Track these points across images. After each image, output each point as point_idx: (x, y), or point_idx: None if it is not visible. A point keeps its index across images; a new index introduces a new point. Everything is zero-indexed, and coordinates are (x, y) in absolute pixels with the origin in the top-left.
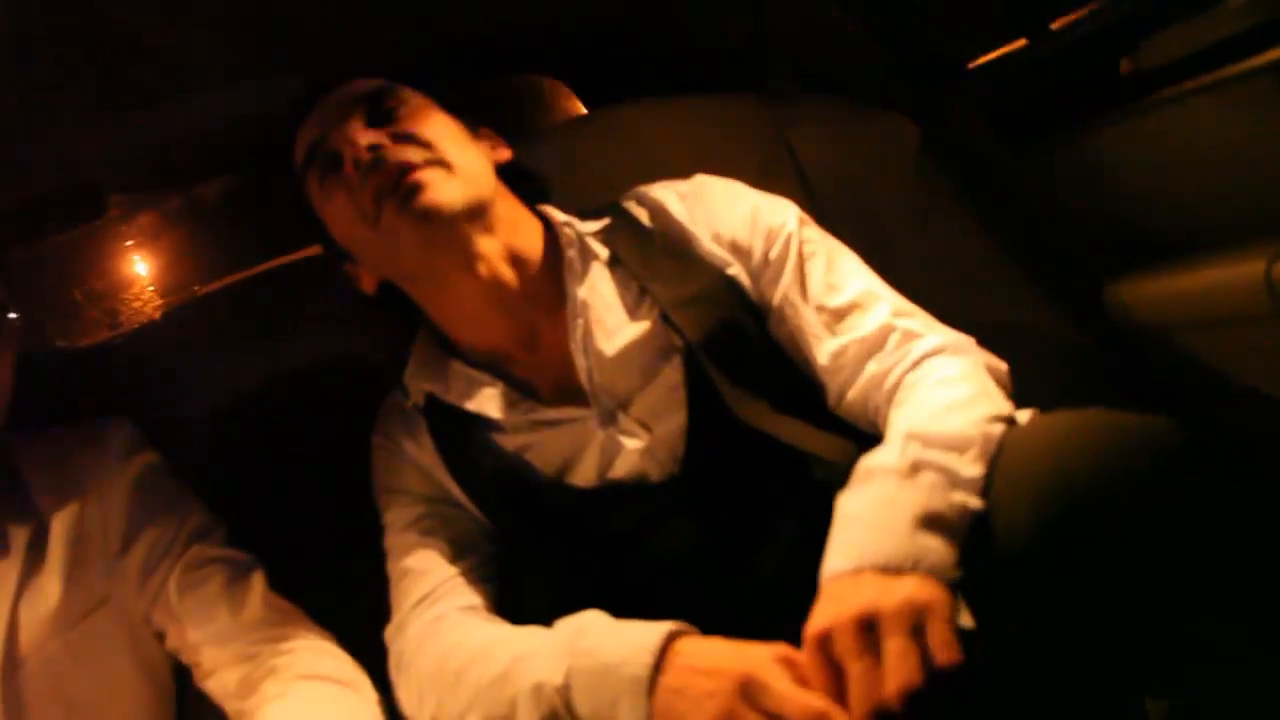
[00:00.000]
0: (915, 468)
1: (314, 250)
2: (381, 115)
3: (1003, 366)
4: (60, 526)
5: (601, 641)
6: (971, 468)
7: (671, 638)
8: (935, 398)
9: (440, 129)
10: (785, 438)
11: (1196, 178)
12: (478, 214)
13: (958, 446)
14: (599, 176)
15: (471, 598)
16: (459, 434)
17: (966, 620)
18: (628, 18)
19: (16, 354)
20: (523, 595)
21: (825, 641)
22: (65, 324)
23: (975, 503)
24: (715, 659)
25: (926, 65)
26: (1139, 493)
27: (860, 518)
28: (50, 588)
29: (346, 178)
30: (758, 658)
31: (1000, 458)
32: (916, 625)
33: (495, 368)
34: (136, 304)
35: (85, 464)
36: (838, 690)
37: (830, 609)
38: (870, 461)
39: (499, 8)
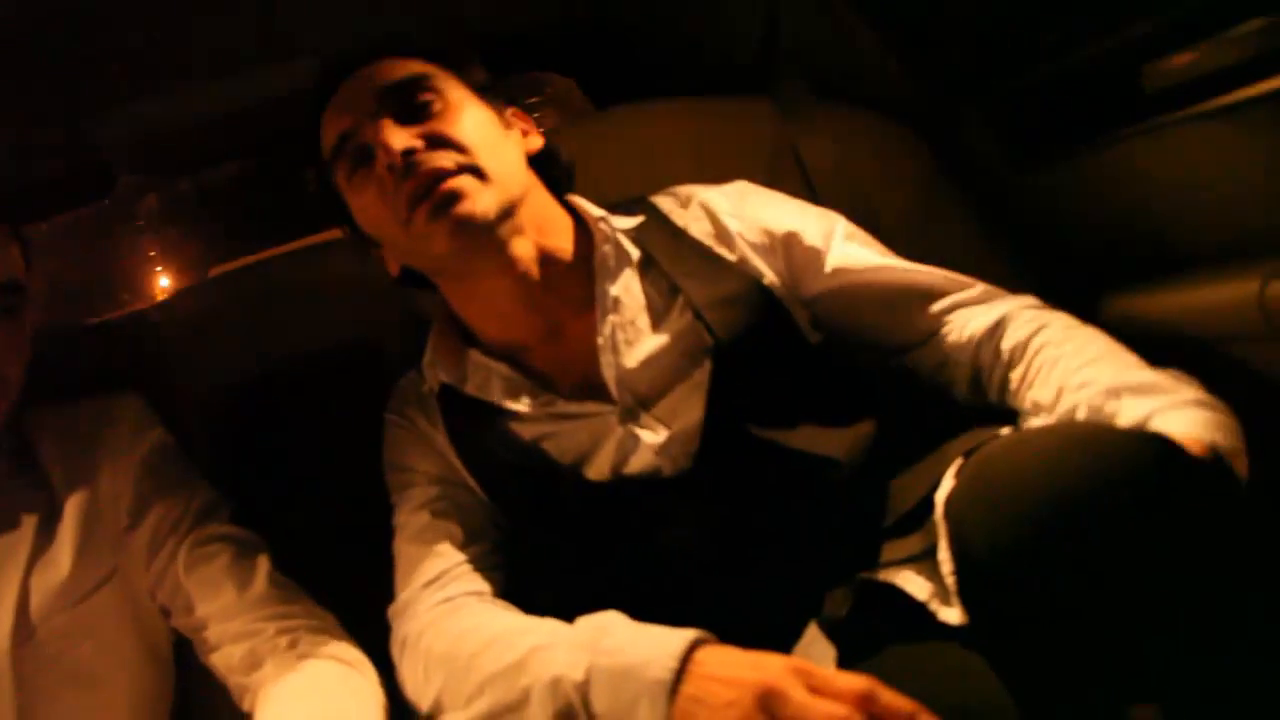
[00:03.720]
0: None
1: (328, 234)
2: (414, 109)
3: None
4: (72, 500)
5: (625, 642)
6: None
7: (695, 645)
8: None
9: (474, 128)
10: (800, 443)
11: (1195, 198)
12: (509, 217)
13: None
14: (608, 174)
15: (482, 584)
16: (474, 422)
17: (955, 616)
18: (641, 20)
19: (33, 326)
20: (529, 584)
21: None
22: (79, 299)
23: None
24: (736, 669)
25: (939, 79)
26: (1117, 504)
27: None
28: (61, 560)
29: (379, 177)
30: (776, 667)
31: (977, 469)
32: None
33: (513, 358)
34: (148, 282)
35: (97, 438)
36: None
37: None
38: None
39: (514, 5)
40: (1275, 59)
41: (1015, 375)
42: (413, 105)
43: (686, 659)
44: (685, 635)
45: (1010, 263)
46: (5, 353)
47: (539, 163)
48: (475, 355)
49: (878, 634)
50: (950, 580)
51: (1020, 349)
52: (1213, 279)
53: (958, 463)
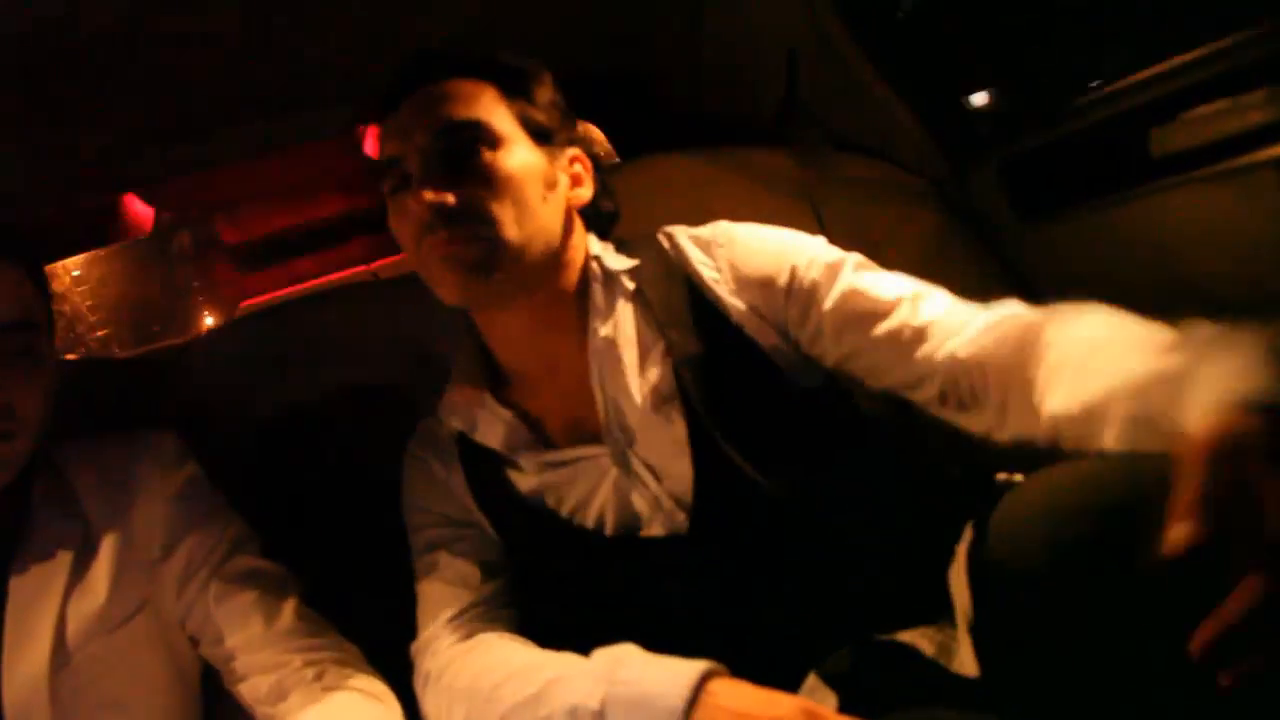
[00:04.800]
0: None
1: (359, 271)
2: (462, 157)
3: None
4: (107, 532)
5: (640, 673)
6: None
7: (707, 676)
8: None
9: (515, 192)
10: (792, 498)
11: (1199, 260)
12: (525, 285)
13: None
14: (630, 225)
15: (500, 620)
16: (486, 467)
17: (968, 668)
18: (666, 73)
19: (59, 363)
20: (540, 624)
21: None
22: (113, 335)
23: None
24: (748, 703)
25: (952, 134)
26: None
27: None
28: (97, 589)
29: (412, 215)
30: (788, 706)
31: (1012, 500)
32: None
33: (519, 406)
34: (182, 318)
35: (132, 473)
36: None
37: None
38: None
39: (543, 55)
40: (1278, 127)
41: (1033, 381)
42: (461, 153)
43: (699, 689)
44: (698, 666)
45: None
46: (22, 391)
47: (583, 211)
48: (489, 400)
49: (881, 687)
50: (965, 633)
51: (1021, 354)
52: None
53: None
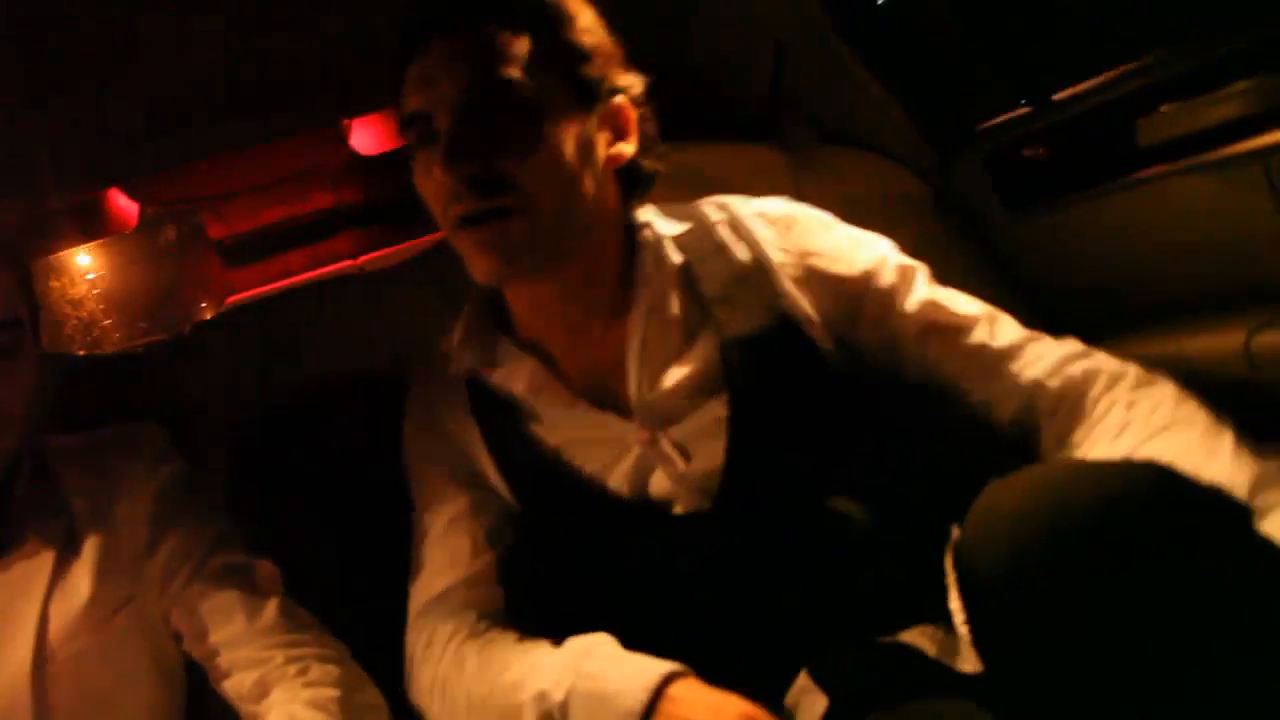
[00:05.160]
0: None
1: (343, 266)
2: (494, 116)
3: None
4: (92, 527)
5: (604, 668)
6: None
7: (669, 679)
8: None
9: (549, 164)
10: (820, 497)
11: (1184, 249)
12: (556, 260)
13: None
14: None
15: (494, 594)
16: (500, 412)
17: (969, 666)
18: (653, 65)
19: (44, 358)
20: (539, 592)
21: None
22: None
23: None
24: (700, 709)
25: (939, 125)
26: (1122, 542)
27: None
28: (81, 586)
29: (437, 176)
30: (731, 713)
31: (983, 513)
32: None
33: (542, 352)
34: (168, 312)
35: (118, 468)
36: None
37: None
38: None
39: None
40: (1262, 117)
41: (1074, 432)
42: (493, 116)
43: (659, 692)
44: (660, 668)
45: (1004, 308)
46: (6, 389)
47: (623, 171)
48: (506, 342)
49: (876, 689)
50: (963, 629)
51: (1079, 403)
52: (1200, 329)
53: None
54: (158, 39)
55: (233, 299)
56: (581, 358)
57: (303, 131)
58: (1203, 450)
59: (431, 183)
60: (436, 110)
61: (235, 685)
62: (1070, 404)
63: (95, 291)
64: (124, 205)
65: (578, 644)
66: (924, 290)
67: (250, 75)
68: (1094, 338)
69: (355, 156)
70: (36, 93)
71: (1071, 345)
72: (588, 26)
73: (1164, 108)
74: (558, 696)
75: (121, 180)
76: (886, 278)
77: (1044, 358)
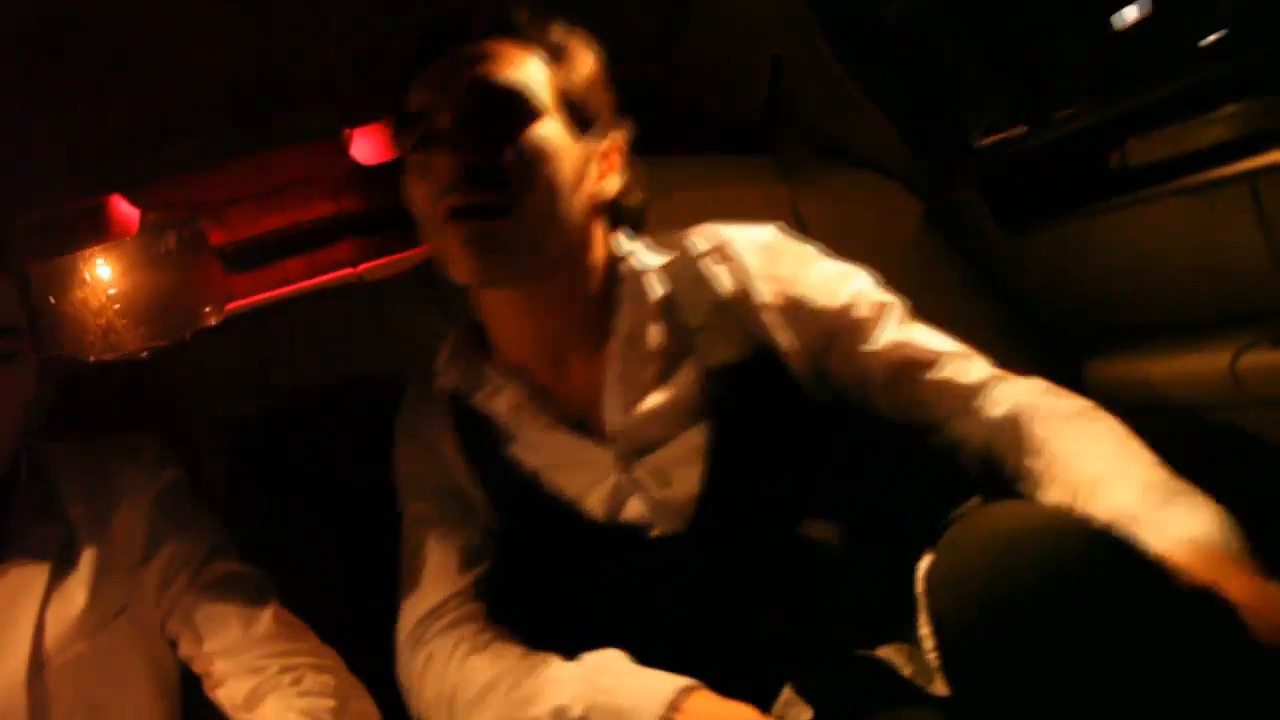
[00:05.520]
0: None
1: (343, 274)
2: (498, 120)
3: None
4: (89, 535)
5: (620, 683)
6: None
7: (684, 693)
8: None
9: (546, 171)
10: (794, 523)
11: (1174, 270)
12: (540, 272)
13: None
14: None
15: (484, 608)
16: (481, 433)
17: (940, 689)
18: (649, 80)
19: (43, 364)
20: (524, 610)
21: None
22: (97, 338)
23: None
24: None
25: (933, 142)
26: (1074, 589)
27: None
28: (77, 593)
29: (433, 174)
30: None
31: (950, 545)
32: None
33: (524, 377)
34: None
35: (115, 475)
36: None
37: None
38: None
39: None
40: (1251, 141)
41: (1030, 471)
42: (497, 116)
43: (674, 705)
44: (676, 683)
45: (997, 324)
46: (2, 393)
47: (606, 204)
48: (488, 368)
49: (856, 702)
50: (932, 655)
51: (1031, 443)
52: (1188, 349)
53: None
54: (158, 40)
55: (232, 305)
56: (566, 386)
57: (304, 140)
58: (1124, 485)
59: (425, 182)
60: (440, 108)
61: (229, 694)
62: (1025, 442)
63: (113, 298)
64: (125, 211)
65: (593, 659)
66: (894, 329)
67: (255, 81)
68: (1083, 355)
69: (356, 166)
70: (38, 96)
71: (1034, 384)
72: (590, 67)
73: (1157, 129)
74: (576, 712)
75: (123, 186)
76: (860, 312)
77: (1006, 399)
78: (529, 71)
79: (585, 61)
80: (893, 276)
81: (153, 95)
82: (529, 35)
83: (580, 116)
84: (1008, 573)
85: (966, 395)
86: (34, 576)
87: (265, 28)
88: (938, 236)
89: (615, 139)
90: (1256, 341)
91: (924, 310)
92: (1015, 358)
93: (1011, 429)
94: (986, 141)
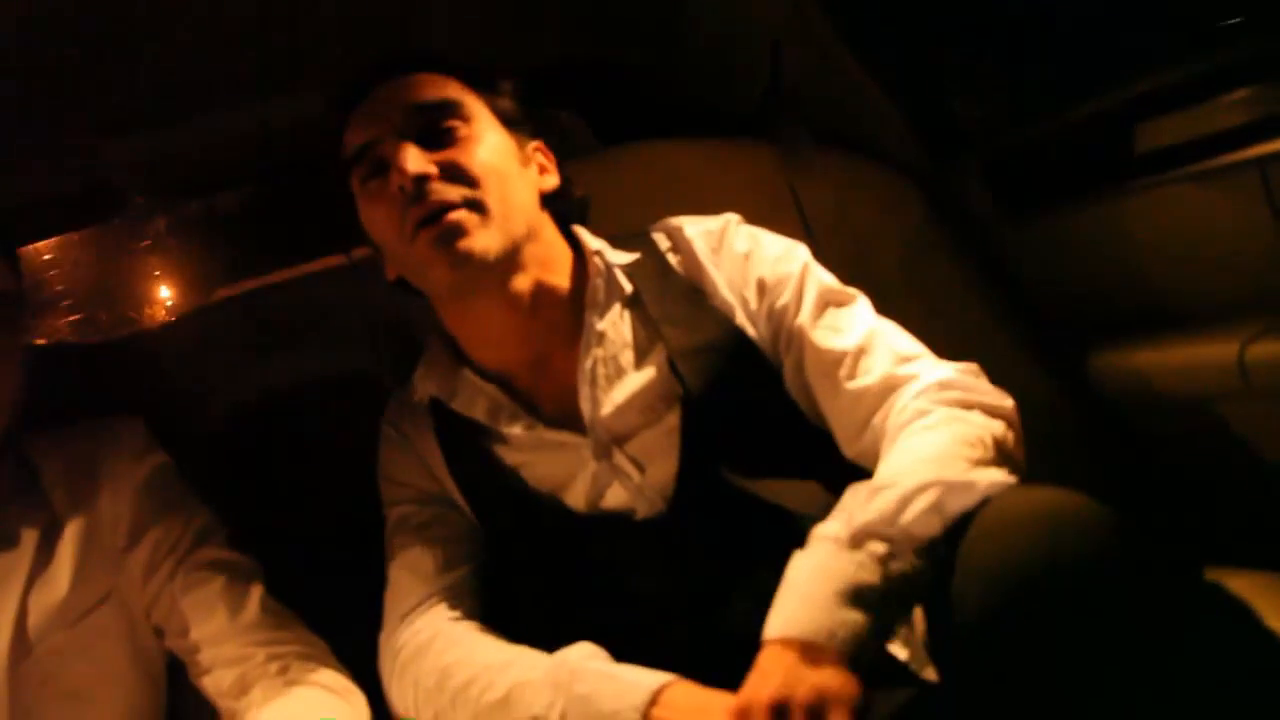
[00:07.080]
0: (858, 538)
1: (330, 261)
2: (438, 133)
3: (1007, 404)
4: (72, 521)
5: (595, 687)
6: (919, 530)
7: (661, 689)
8: (899, 458)
9: (491, 162)
10: (771, 496)
11: (1180, 258)
12: (510, 256)
13: (900, 512)
14: (608, 212)
15: (466, 608)
16: (462, 437)
17: (931, 674)
18: (648, 62)
19: (30, 346)
20: (509, 609)
21: (744, 715)
22: (83, 320)
23: (921, 565)
24: (687, 713)
25: (936, 129)
26: (1068, 575)
27: (795, 585)
28: (60, 580)
29: (391, 194)
30: (716, 710)
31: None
32: (819, 713)
33: (501, 381)
34: (153, 303)
35: (98, 461)
36: None
37: (753, 686)
38: (820, 528)
39: (523, 43)
40: (1261, 126)
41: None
42: (437, 129)
43: (652, 703)
44: (650, 683)
45: (1000, 313)
46: None
47: (552, 199)
48: (466, 373)
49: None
50: (922, 640)
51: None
52: (1195, 339)
53: None
54: (157, 26)
55: (221, 290)
56: (547, 385)
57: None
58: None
59: (384, 204)
60: (383, 135)
61: (215, 681)
62: (886, 428)
63: (87, 280)
64: (115, 194)
65: (566, 661)
66: (809, 315)
67: (251, 64)
68: (1087, 346)
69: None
70: (35, 78)
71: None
72: (507, 81)
73: (1164, 114)
74: (551, 718)
75: (114, 169)
76: (796, 287)
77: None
78: (454, 88)
79: (501, 78)
80: (897, 266)
81: (149, 78)
82: (446, 66)
83: (507, 120)
84: (1049, 557)
85: (853, 390)
86: (16, 563)
87: (263, 9)
88: (940, 225)
89: (541, 140)
90: (1265, 331)
91: (925, 300)
92: (1018, 347)
93: (879, 419)
94: (990, 127)
